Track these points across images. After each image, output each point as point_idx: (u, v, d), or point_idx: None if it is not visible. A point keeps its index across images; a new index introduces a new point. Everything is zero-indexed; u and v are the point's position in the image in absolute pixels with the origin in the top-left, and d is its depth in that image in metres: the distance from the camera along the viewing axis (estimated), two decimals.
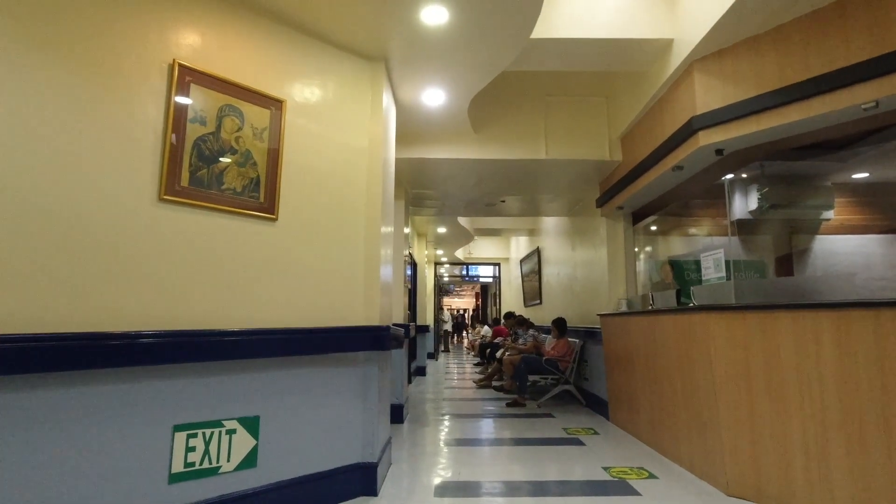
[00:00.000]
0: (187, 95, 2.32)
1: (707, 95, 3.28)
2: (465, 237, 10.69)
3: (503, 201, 6.84)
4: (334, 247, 2.88)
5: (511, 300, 13.40)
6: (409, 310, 7.74)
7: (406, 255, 6.29)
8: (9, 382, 1.74)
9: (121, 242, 2.07)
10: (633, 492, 2.92)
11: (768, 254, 4.98)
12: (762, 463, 2.75)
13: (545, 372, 6.09)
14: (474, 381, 8.09)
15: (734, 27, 3.01)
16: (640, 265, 5.46)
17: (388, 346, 2.97)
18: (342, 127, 3.01)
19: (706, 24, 3.04)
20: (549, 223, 8.59)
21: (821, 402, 2.58)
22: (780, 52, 2.95)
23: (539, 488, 3.00)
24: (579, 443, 4.09)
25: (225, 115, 2.47)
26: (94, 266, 1.98)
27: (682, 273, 4.97)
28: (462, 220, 9.12)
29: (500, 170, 5.17)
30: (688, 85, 3.44)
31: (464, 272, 16.53)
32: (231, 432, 2.32)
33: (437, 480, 3.13)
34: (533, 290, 10.02)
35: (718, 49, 3.24)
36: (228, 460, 2.30)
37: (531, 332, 7.20)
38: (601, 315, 5.11)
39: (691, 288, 3.60)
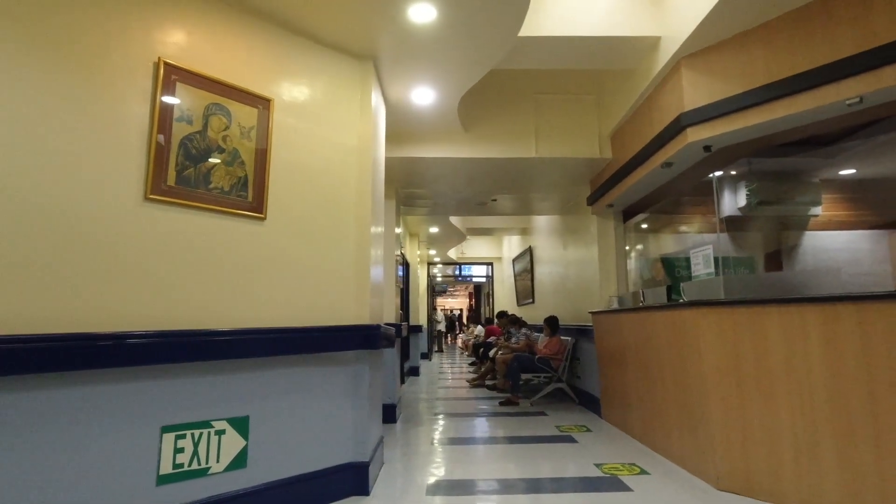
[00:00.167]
0: (173, 94, 2.30)
1: (695, 92, 3.30)
2: (457, 237, 10.69)
3: (495, 200, 6.85)
4: (324, 246, 2.87)
5: (504, 299, 13.42)
6: (402, 309, 7.73)
7: (398, 255, 6.28)
8: None
9: (107, 242, 2.04)
10: (624, 488, 2.93)
11: (758, 250, 5.03)
12: (752, 457, 2.77)
13: (538, 370, 6.10)
14: (467, 381, 8.10)
15: (720, 24, 3.03)
16: (631, 263, 5.49)
17: (379, 345, 2.96)
18: (331, 126, 3.00)
19: (693, 22, 3.06)
20: (541, 222, 8.61)
21: (809, 396, 2.60)
22: (766, 48, 2.98)
23: (532, 486, 3.00)
24: (572, 440, 4.10)
25: (212, 113, 2.45)
26: (79, 266, 1.96)
27: (673, 270, 5.01)
28: (454, 220, 9.11)
29: (491, 168, 5.17)
30: (676, 82, 3.46)
31: (457, 272, 16.50)
32: (220, 433, 2.30)
33: (429, 479, 3.12)
34: (525, 289, 10.04)
35: (706, 46, 3.26)
36: (218, 461, 2.28)
37: (524, 330, 7.20)
38: (593, 313, 5.13)
39: (681, 284, 3.62)
